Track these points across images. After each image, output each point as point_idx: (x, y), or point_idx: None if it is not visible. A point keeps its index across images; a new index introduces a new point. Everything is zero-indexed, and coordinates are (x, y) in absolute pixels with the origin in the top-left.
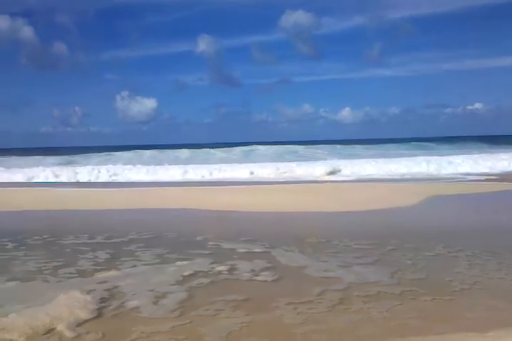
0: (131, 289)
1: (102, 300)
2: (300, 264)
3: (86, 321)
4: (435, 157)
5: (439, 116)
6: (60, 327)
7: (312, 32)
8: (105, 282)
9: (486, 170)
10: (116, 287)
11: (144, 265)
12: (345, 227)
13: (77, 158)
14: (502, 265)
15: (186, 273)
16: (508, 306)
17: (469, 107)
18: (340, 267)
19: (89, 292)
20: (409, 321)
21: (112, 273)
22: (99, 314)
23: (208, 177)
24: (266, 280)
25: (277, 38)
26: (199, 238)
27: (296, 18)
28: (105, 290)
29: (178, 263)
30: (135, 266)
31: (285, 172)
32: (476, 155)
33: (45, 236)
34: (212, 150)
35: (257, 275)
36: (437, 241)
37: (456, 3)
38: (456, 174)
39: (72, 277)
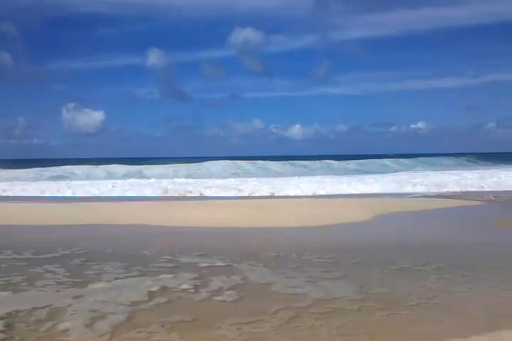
0: (76, 308)
1: (37, 321)
2: (266, 280)
3: None
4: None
5: (384, 134)
6: None
7: (262, 49)
8: (50, 300)
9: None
10: (62, 306)
11: (103, 282)
12: (301, 242)
13: (19, 171)
14: (467, 278)
15: (153, 289)
16: (455, 319)
17: (413, 126)
18: (308, 282)
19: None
20: (352, 337)
21: (63, 291)
22: (20, 338)
23: (159, 193)
24: (224, 300)
25: (227, 54)
26: (158, 254)
27: (246, 35)
28: (51, 308)
29: (143, 279)
30: (95, 282)
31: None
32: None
33: None
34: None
35: (218, 295)
36: (399, 255)
37: (401, 26)
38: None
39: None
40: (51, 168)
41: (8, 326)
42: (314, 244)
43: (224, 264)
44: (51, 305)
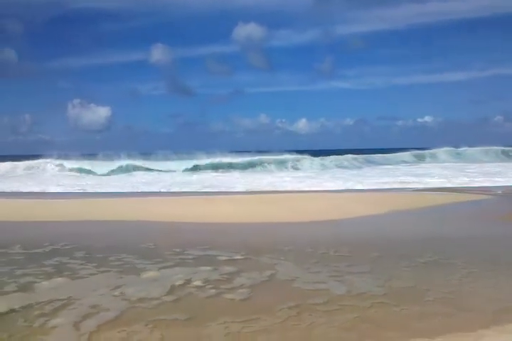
0: (82, 302)
1: (38, 315)
2: (287, 276)
3: None
4: None
5: (391, 128)
6: None
7: (266, 44)
8: (69, 292)
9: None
10: (74, 299)
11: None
12: (313, 237)
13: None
14: (493, 273)
15: (177, 284)
16: (467, 315)
17: (419, 120)
18: (332, 277)
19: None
20: (344, 334)
21: (83, 284)
22: (8, 335)
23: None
24: (233, 298)
25: (231, 49)
26: (176, 249)
27: (249, 30)
28: (66, 300)
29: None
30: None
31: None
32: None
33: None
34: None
35: (231, 292)
36: (422, 248)
37: (406, 20)
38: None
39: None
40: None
41: (12, 321)
42: (329, 238)
43: (242, 258)
44: (69, 297)
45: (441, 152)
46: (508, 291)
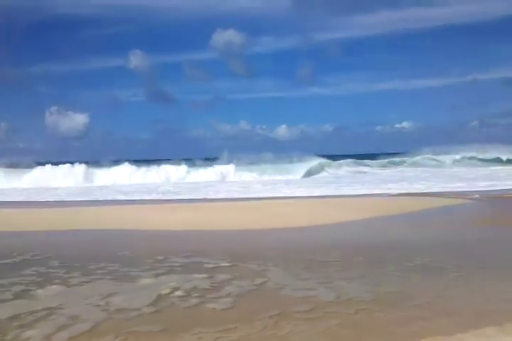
0: (63, 312)
1: (16, 326)
2: (276, 283)
3: None
4: None
5: (371, 134)
6: None
7: (245, 51)
8: (58, 301)
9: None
10: (59, 309)
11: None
12: (298, 242)
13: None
14: (480, 276)
15: (163, 292)
16: (449, 318)
17: (397, 125)
18: (322, 284)
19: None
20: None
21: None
22: None
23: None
24: (215, 308)
25: (210, 55)
26: (158, 257)
27: (228, 36)
28: (49, 310)
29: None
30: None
31: None
32: None
33: None
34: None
35: (214, 301)
36: (410, 252)
37: (386, 26)
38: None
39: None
40: None
41: None
42: (314, 243)
43: (229, 265)
44: (53, 307)
45: (421, 157)
46: (492, 295)
